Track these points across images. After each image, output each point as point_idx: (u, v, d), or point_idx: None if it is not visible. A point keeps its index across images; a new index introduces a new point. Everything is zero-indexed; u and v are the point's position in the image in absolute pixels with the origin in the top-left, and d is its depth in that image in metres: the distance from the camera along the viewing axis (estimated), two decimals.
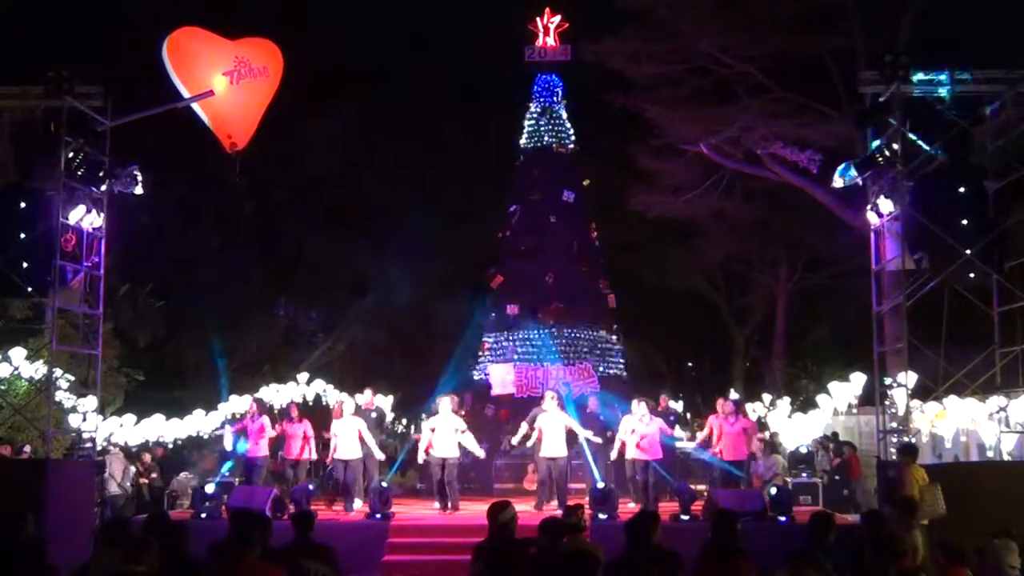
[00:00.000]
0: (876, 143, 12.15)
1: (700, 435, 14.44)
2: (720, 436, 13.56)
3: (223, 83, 13.55)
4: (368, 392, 16.13)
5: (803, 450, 15.67)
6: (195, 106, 13.61)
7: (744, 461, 13.66)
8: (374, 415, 15.36)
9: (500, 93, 26.09)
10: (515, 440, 14.24)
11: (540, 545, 6.15)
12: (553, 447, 13.54)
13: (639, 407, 13.59)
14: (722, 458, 13.48)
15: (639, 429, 13.38)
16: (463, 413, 16.86)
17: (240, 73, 13.68)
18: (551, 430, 13.56)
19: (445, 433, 13.44)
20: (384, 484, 12.99)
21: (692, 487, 13.03)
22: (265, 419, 14.15)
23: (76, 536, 10.50)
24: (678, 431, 15.62)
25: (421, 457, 14.12)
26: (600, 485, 12.56)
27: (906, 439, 11.45)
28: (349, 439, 13.54)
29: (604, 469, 13.75)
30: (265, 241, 26.16)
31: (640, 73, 20.40)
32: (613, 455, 13.83)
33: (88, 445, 12.43)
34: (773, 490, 12.43)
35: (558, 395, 14.30)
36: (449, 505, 13.45)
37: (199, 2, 18.66)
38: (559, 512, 10.32)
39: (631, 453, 13.47)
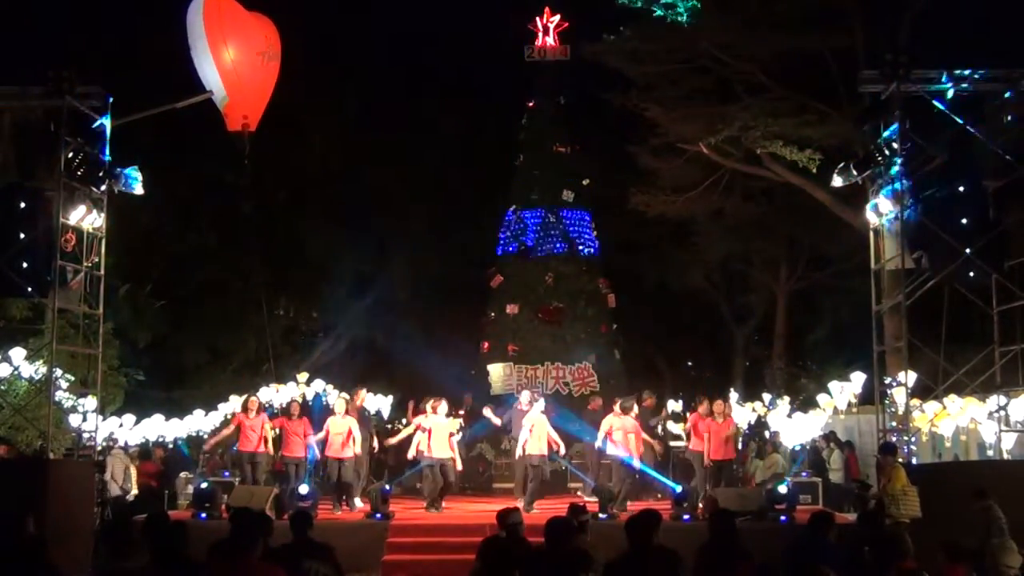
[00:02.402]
0: (876, 142, 12.15)
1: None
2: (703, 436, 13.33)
3: (255, 62, 13.18)
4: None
5: (798, 448, 15.62)
6: (218, 79, 13.06)
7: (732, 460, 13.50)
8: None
9: (500, 92, 26.10)
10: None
11: (543, 545, 6.16)
12: (538, 446, 13.41)
13: (617, 406, 13.57)
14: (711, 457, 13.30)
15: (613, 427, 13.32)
16: (462, 413, 16.87)
17: (268, 55, 13.43)
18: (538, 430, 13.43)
19: (441, 435, 13.38)
20: (387, 487, 12.96)
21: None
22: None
23: (76, 536, 10.50)
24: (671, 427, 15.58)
25: (413, 454, 13.83)
26: (596, 485, 12.56)
27: (905, 438, 11.46)
28: (344, 438, 13.47)
29: (596, 471, 13.71)
30: (265, 241, 26.13)
31: (639, 72, 20.39)
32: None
33: (89, 444, 12.42)
34: (783, 488, 12.32)
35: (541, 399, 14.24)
36: (435, 506, 13.31)
37: None
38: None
39: (613, 451, 13.36)
